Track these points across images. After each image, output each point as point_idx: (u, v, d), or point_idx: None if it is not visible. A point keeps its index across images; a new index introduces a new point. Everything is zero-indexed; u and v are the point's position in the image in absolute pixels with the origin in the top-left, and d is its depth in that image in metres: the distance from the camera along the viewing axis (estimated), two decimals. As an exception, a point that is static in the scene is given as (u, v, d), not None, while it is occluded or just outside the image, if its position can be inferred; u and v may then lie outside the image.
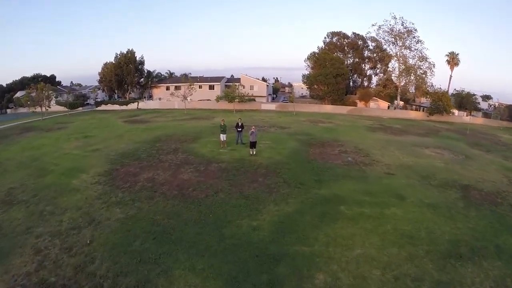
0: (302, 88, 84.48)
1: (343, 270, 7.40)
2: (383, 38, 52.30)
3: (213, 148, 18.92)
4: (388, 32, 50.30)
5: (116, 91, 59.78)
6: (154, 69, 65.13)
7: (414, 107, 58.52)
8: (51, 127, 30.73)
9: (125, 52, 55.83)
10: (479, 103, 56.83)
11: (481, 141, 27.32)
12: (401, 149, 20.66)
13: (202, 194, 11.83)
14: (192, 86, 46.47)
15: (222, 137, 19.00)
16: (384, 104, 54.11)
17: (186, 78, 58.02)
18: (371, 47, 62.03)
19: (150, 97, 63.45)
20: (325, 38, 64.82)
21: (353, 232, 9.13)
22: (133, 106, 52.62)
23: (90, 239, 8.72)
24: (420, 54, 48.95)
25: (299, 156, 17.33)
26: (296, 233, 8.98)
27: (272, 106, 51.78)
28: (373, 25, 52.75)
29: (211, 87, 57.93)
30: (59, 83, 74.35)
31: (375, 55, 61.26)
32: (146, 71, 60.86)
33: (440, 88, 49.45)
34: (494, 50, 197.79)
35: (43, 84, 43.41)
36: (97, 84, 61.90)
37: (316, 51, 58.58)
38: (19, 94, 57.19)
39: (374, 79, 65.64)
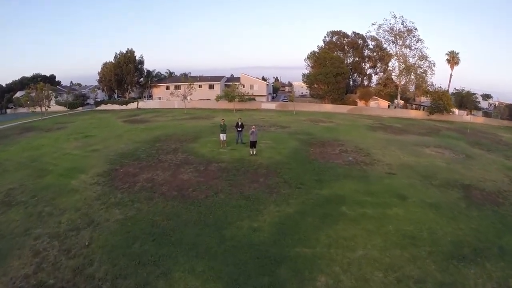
0: (302, 87, 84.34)
1: (345, 272, 7.31)
2: (383, 37, 52.20)
3: (213, 148, 18.82)
4: (388, 31, 50.14)
5: (115, 90, 59.65)
6: (154, 68, 65.38)
7: (414, 106, 58.42)
8: (50, 127, 30.65)
9: (124, 52, 55.72)
10: (479, 102, 56.74)
11: (481, 140, 27.21)
12: (402, 148, 20.56)
13: (202, 194, 11.73)
14: (192, 86, 46.38)
15: (222, 136, 18.90)
16: (384, 103, 54.00)
17: (186, 78, 57.90)
18: (371, 46, 62.00)
19: (150, 96, 63.34)
20: (325, 37, 64.82)
21: (355, 233, 9.03)
22: (132, 105, 52.51)
23: (88, 240, 8.63)
24: (420, 53, 48.83)
25: (300, 156, 17.24)
26: (297, 235, 8.88)
27: (272, 106, 51.67)
28: (373, 24, 52.87)
29: (211, 87, 57.82)
30: (58, 83, 74.24)
31: (375, 54, 61.14)
32: (145, 71, 60.76)
33: (441, 87, 49.40)
34: (494, 49, 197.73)
35: (42, 84, 43.32)
36: (96, 84, 61.76)
37: (316, 50, 58.49)
38: (18, 94, 57.08)
39: (374, 78, 65.65)
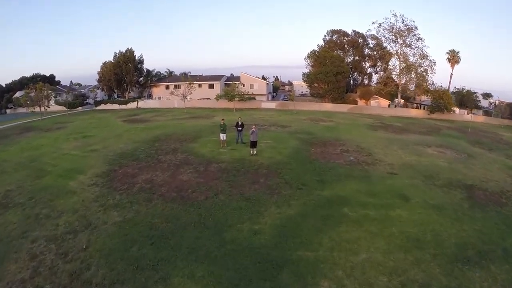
0: (302, 87, 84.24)
1: (348, 276, 7.13)
2: (383, 36, 51.99)
3: (213, 147, 18.65)
4: (389, 30, 49.93)
5: (115, 90, 59.51)
6: (153, 68, 65.03)
7: (414, 105, 58.26)
8: (50, 127, 30.53)
9: (124, 51, 55.55)
10: (479, 101, 56.60)
11: (482, 139, 27.05)
12: (403, 148, 20.39)
13: (201, 196, 11.55)
14: (191, 85, 46.24)
15: (222, 136, 18.73)
16: (384, 102, 53.83)
17: (185, 77, 57.78)
18: (371, 45, 61.86)
19: (150, 96, 63.23)
20: (325, 36, 64.63)
21: (358, 235, 8.85)
22: (132, 105, 52.37)
23: (86, 244, 8.46)
24: (421, 52, 48.66)
25: (301, 156, 17.06)
26: (299, 238, 8.69)
27: (272, 105, 51.49)
28: (373, 22, 52.61)
29: (211, 86, 57.68)
30: (58, 82, 74.15)
31: (375, 53, 60.99)
32: (145, 70, 60.61)
33: (441, 86, 49.23)
34: (494, 48, 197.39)
35: (42, 84, 43.26)
36: (96, 83, 61.64)
37: (316, 49, 58.27)
38: (18, 94, 56.98)
39: (375, 77, 65.48)
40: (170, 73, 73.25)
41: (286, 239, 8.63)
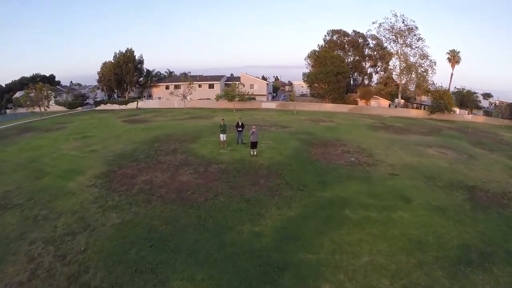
0: (302, 87, 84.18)
1: (350, 279, 7.03)
2: (383, 36, 51.86)
3: (213, 148, 18.54)
4: (389, 30, 49.81)
5: (115, 90, 59.44)
6: (153, 68, 64.96)
7: (415, 105, 58.17)
8: (50, 127, 30.44)
9: (124, 52, 55.47)
10: (480, 101, 56.47)
11: (483, 139, 26.97)
12: (404, 148, 20.30)
13: (201, 197, 11.44)
14: (191, 85, 46.15)
15: (222, 137, 18.62)
16: (385, 102, 53.75)
17: (185, 77, 57.72)
18: (371, 45, 61.75)
19: (150, 96, 63.14)
20: (325, 36, 64.54)
21: (360, 237, 8.75)
22: (132, 105, 52.27)
23: (84, 246, 8.36)
24: (421, 52, 48.54)
25: (301, 157, 16.95)
26: (300, 240, 8.59)
27: (273, 105, 51.39)
28: (374, 22, 52.50)
29: (211, 86, 57.58)
30: (58, 83, 73.96)
31: (375, 53, 60.90)
32: (145, 70, 60.53)
33: (442, 87, 49.13)
34: (494, 48, 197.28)
35: (41, 84, 43.16)
36: (96, 83, 61.56)
37: (317, 49, 58.18)
38: (18, 94, 56.86)
39: (375, 77, 65.40)
40: (170, 73, 73.21)
41: (287, 241, 8.53)
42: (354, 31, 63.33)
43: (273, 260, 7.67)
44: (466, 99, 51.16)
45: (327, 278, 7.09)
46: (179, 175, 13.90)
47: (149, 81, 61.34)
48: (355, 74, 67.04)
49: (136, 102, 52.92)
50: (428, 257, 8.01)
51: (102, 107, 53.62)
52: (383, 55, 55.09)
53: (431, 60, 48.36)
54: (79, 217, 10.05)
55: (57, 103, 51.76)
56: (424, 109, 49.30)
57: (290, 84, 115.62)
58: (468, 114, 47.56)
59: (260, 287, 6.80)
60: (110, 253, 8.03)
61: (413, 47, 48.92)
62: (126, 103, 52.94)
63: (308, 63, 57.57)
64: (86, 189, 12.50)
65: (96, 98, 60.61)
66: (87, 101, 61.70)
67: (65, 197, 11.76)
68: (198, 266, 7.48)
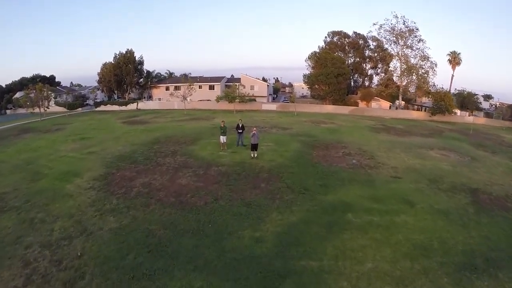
0: (302, 88, 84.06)
1: (353, 287, 6.83)
2: (384, 38, 51.66)
3: (212, 150, 18.35)
4: (390, 31, 49.66)
5: (115, 91, 59.34)
6: (153, 69, 64.82)
7: (415, 107, 58.00)
8: (49, 128, 30.27)
9: (124, 52, 55.41)
10: (480, 103, 56.28)
11: (485, 141, 26.81)
12: (406, 151, 20.11)
13: (201, 201, 11.24)
14: (191, 86, 46.01)
15: (222, 139, 18.45)
16: (385, 104, 53.61)
17: (185, 78, 57.56)
18: (372, 47, 61.61)
19: (150, 97, 63.02)
20: (325, 37, 64.45)
21: (363, 243, 8.55)
22: (132, 106, 52.13)
23: (81, 251, 8.16)
24: (422, 54, 48.38)
25: (303, 159, 16.75)
26: (302, 246, 8.37)
27: (273, 106, 51.26)
28: (374, 24, 52.35)
29: (211, 87, 57.43)
30: (58, 83, 73.86)
31: (376, 54, 60.79)
32: (145, 71, 60.43)
33: (442, 88, 49.00)
34: (494, 49, 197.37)
35: (41, 84, 43.05)
36: (96, 84, 61.48)
37: (317, 50, 58.09)
38: (18, 94, 56.73)
39: (375, 79, 65.26)
40: (170, 74, 72.98)
41: (288, 247, 8.32)
42: (354, 32, 63.30)
43: (274, 267, 7.46)
44: (466, 100, 51.01)
45: (330, 285, 6.88)
46: (178, 177, 13.71)
47: (149, 82, 61.24)
48: (356, 75, 66.91)
49: (136, 103, 52.78)
50: (433, 263, 7.84)
51: (102, 108, 53.47)
52: (384, 57, 54.98)
53: (431, 62, 48.27)
54: (76, 221, 9.87)
55: (57, 103, 51.64)
56: (425, 110, 49.13)
57: (291, 85, 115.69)
58: (469, 115, 47.39)
59: (261, 295, 6.60)
60: (107, 258, 7.83)
61: (414, 48, 48.84)
62: (126, 104, 52.80)
63: (309, 65, 57.54)
64: (83, 191, 12.31)
65: (96, 99, 60.49)
66: (87, 102, 61.63)
67: (62, 199, 11.58)
68: (197, 273, 7.28)
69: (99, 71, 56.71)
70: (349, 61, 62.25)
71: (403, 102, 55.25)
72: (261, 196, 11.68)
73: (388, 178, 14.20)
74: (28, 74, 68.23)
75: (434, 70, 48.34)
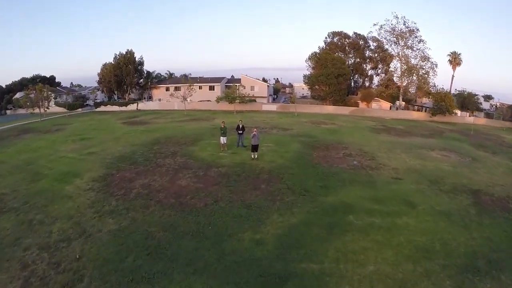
0: (302, 89, 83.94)
1: (355, 290, 6.76)
2: (384, 38, 51.55)
3: (213, 151, 18.27)
4: (390, 31, 49.58)
5: (115, 92, 59.30)
6: (153, 69, 64.94)
7: (416, 107, 57.91)
8: (49, 129, 30.21)
9: (124, 53, 55.38)
10: (481, 103, 56.12)
11: (485, 142, 26.73)
12: (407, 151, 20.03)
13: (200, 202, 11.15)
14: (192, 87, 45.95)
15: (223, 139, 18.38)
16: (386, 104, 53.50)
17: (186, 79, 57.56)
18: (372, 47, 61.53)
19: (150, 98, 63.00)
20: (326, 38, 64.42)
21: (365, 245, 8.47)
22: (132, 107, 52.06)
23: (79, 253, 8.09)
24: (422, 54, 48.30)
25: (303, 160, 16.67)
26: (303, 248, 8.29)
27: (273, 107, 51.18)
28: (375, 24, 52.07)
29: (211, 88, 57.40)
30: (58, 84, 73.84)
31: (376, 55, 60.73)
32: (145, 72, 60.42)
33: (443, 88, 48.92)
34: (494, 49, 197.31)
35: (41, 85, 42.99)
36: (96, 85, 61.44)
37: (317, 51, 58.04)
38: (18, 95, 56.69)
39: (376, 79, 65.21)
40: (171, 74, 72.99)
41: (289, 250, 8.24)
42: (354, 33, 63.27)
43: (275, 270, 7.38)
44: (467, 101, 50.82)
45: (331, 289, 6.81)
46: (178, 179, 13.63)
47: (149, 83, 61.22)
48: (356, 76, 66.89)
49: (136, 104, 52.72)
50: (435, 265, 7.77)
51: (102, 108, 53.43)
52: (384, 57, 54.93)
53: (432, 62, 48.22)
54: (75, 222, 9.80)
55: (57, 104, 51.61)
56: (425, 111, 49.04)
57: (291, 86, 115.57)
58: (469, 116, 47.28)
59: (261, 298, 6.52)
60: (106, 261, 7.76)
61: (414, 49, 48.76)
62: (126, 104, 52.74)
63: (309, 65, 57.43)
64: (83, 192, 12.24)
65: (96, 99, 60.45)
66: (87, 103, 61.55)
67: (61, 201, 11.51)
68: (197, 276, 7.19)
69: (99, 72, 56.76)
70: (350, 61, 62.22)
71: (403, 103, 55.16)
72: (261, 197, 11.60)
73: (389, 179, 14.12)
74: (28, 75, 68.24)
75: (435, 71, 48.36)
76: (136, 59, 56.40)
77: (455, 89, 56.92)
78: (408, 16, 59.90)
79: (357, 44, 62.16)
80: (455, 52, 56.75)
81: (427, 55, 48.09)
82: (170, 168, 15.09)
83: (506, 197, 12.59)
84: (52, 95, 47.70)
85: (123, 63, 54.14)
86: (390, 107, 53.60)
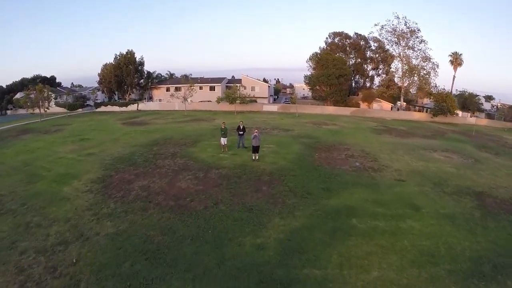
0: (303, 89, 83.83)
1: (359, 297, 6.56)
2: (386, 38, 51.39)
3: (213, 152, 18.08)
4: (391, 32, 49.42)
5: (115, 92, 59.18)
6: (154, 70, 65.05)
7: (417, 108, 57.69)
8: (48, 129, 30.07)
9: (124, 53, 55.27)
10: (482, 104, 55.90)
11: (487, 143, 26.50)
12: (409, 152, 19.84)
13: (200, 205, 10.95)
14: (192, 87, 45.80)
15: (223, 140, 18.19)
16: (387, 105, 53.28)
17: (186, 79, 57.50)
18: (373, 48, 61.39)
19: (150, 98, 62.88)
20: (327, 38, 64.37)
21: (369, 250, 8.26)
22: (133, 107, 51.93)
23: (76, 257, 7.89)
24: (424, 55, 48.16)
25: (305, 162, 16.46)
26: (305, 253, 8.08)
27: (274, 108, 50.99)
28: (376, 25, 51.82)
29: (212, 88, 57.25)
30: (59, 84, 73.83)
31: (377, 55, 60.58)
32: (146, 72, 60.35)
33: (444, 89, 48.70)
34: (494, 49, 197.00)
35: (41, 85, 42.86)
36: (97, 85, 61.33)
37: (318, 51, 57.89)
38: (19, 95, 56.60)
39: (377, 80, 65.03)
40: (171, 75, 72.84)
41: (291, 255, 8.03)
42: (355, 33, 63.18)
43: (276, 276, 7.17)
44: (468, 101, 50.62)
45: (334, 296, 6.61)
46: (178, 180, 13.43)
47: (149, 83, 61.10)
48: (357, 76, 66.81)
49: (136, 104, 52.58)
50: (440, 270, 7.57)
51: (102, 108, 53.34)
52: (385, 58, 54.78)
53: (433, 63, 48.07)
54: (72, 225, 9.62)
55: (57, 104, 51.50)
56: (427, 112, 48.82)
57: (292, 86, 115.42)
58: (470, 117, 47.05)
59: (263, 306, 6.31)
60: (103, 265, 7.56)
61: (416, 49, 48.60)
62: (126, 105, 52.61)
63: (310, 66, 57.25)
64: (81, 194, 12.06)
65: (97, 99, 60.31)
66: (87, 103, 61.40)
67: (59, 203, 11.34)
68: (196, 282, 6.98)
69: (99, 72, 56.70)
70: (350, 62, 62.08)
71: (404, 103, 54.96)
72: (262, 200, 11.39)
73: (392, 181, 13.93)
74: (29, 75, 68.36)
75: (436, 71, 48.20)
76: (137, 59, 56.34)
77: (456, 90, 56.77)
78: (409, 16, 59.78)
79: (358, 44, 62.01)
80: (456, 52, 56.62)
81: (428, 55, 48.04)
82: (169, 170, 14.89)
83: (510, 199, 12.40)
84: (52, 95, 47.57)
85: (124, 63, 54.05)
86: (391, 107, 53.40)
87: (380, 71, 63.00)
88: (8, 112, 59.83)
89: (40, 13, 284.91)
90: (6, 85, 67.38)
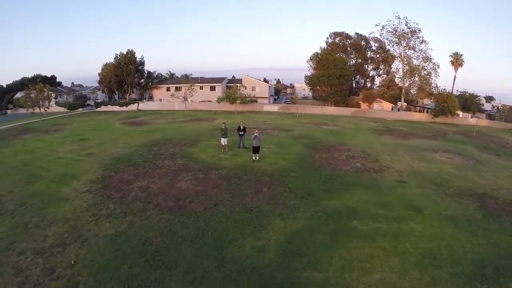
0: (304, 89, 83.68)
1: (361, 301, 6.47)
2: (386, 39, 51.26)
3: (213, 153, 17.98)
4: (392, 32, 49.31)
5: (116, 92, 59.11)
6: (154, 69, 64.77)
7: (418, 108, 57.58)
8: (48, 129, 30.01)
9: (125, 53, 55.19)
10: (482, 104, 55.78)
11: (488, 144, 26.40)
12: (411, 153, 19.74)
13: (200, 206, 10.85)
14: (192, 87, 45.74)
15: (223, 141, 18.10)
16: (387, 105, 53.17)
17: (187, 79, 57.41)
18: (374, 48, 61.25)
19: (151, 98, 62.82)
20: (327, 38, 64.18)
21: (370, 252, 8.17)
22: (133, 107, 51.86)
23: (74, 259, 7.81)
24: (425, 55, 48.07)
25: (305, 162, 16.36)
26: (307, 256, 7.98)
27: (275, 108, 50.91)
28: (377, 25, 51.76)
29: (212, 88, 57.19)
30: (59, 83, 73.71)
31: (378, 55, 60.44)
32: (146, 72, 60.27)
33: (445, 89, 48.60)
34: (495, 50, 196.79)
35: (41, 85, 42.82)
36: (97, 85, 61.27)
37: (319, 51, 57.79)
38: (19, 94, 56.57)
39: (377, 80, 64.87)
40: (171, 75, 72.77)
41: (292, 257, 7.94)
42: (356, 33, 62.99)
43: (277, 279, 7.08)
44: (469, 102, 50.48)
45: (336, 299, 6.52)
46: (178, 181, 13.34)
47: (150, 83, 61.04)
48: (358, 77, 66.63)
49: (136, 104, 52.52)
50: (443, 273, 7.49)
51: (102, 108, 53.30)
52: (386, 58, 54.62)
53: (434, 63, 47.99)
54: (71, 226, 9.53)
55: (57, 104, 51.44)
56: (427, 112, 48.71)
57: (292, 86, 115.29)
58: (471, 117, 46.93)
59: (263, 310, 6.22)
60: (101, 267, 7.48)
61: (416, 49, 48.50)
62: (126, 104, 52.54)
63: (311, 66, 57.16)
64: (80, 195, 11.98)
65: (97, 99, 60.24)
66: (88, 103, 61.34)
67: (58, 203, 11.26)
68: (195, 285, 6.89)
69: (100, 72, 56.59)
70: (351, 62, 61.91)
71: (405, 104, 54.86)
72: (263, 201, 11.30)
73: (393, 182, 13.84)
74: (29, 74, 68.20)
75: (437, 72, 48.10)
76: (137, 59, 56.25)
77: (457, 90, 56.68)
78: (410, 17, 59.68)
79: (358, 44, 61.89)
80: (457, 53, 56.65)
81: (429, 55, 47.96)
82: (169, 170, 14.80)
83: (511, 201, 12.27)
84: (52, 95, 47.53)
85: (124, 63, 53.98)
86: (392, 108, 53.29)
87: (381, 71, 62.86)
88: (8, 111, 59.80)
89: (40, 13, 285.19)
90: (7, 85, 67.34)
